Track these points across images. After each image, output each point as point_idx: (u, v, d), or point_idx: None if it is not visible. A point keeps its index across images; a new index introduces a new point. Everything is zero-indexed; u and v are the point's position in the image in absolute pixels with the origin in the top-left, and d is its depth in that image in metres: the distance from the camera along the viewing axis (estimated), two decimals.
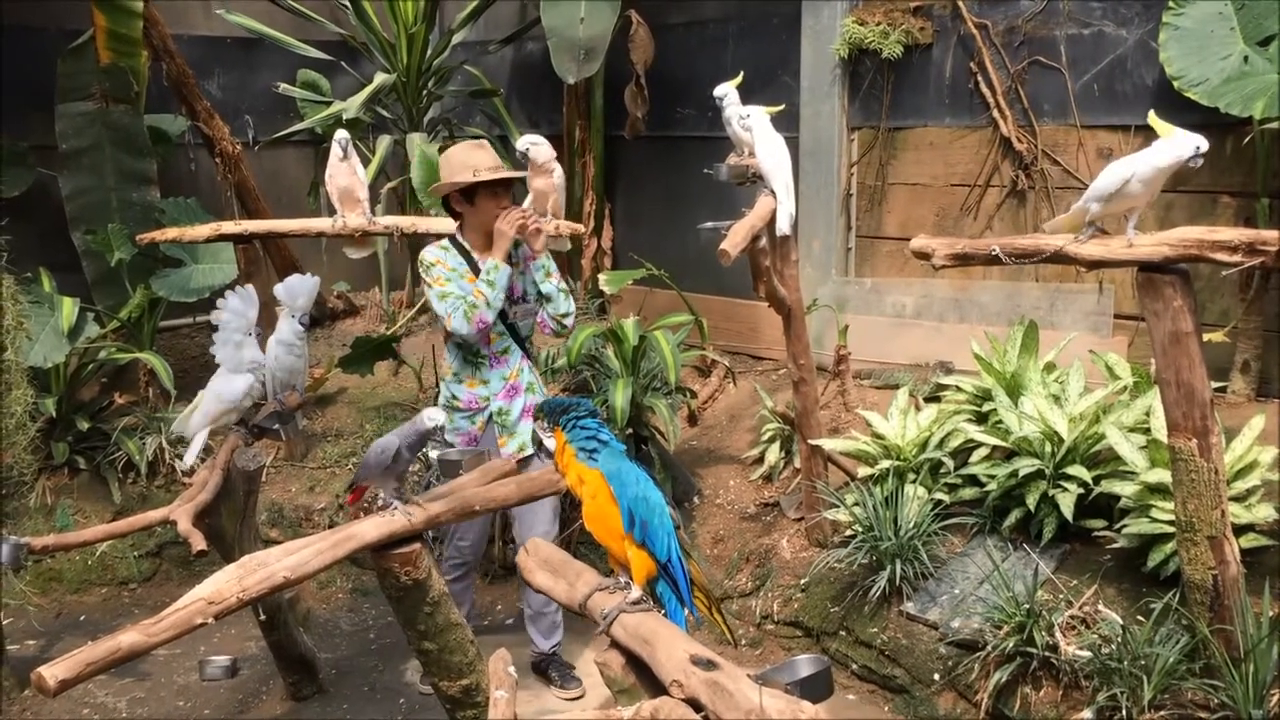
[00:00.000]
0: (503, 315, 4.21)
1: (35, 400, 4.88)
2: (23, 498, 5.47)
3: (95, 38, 6.01)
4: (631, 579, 2.70)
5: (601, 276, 6.42)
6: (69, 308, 5.67)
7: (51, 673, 2.65)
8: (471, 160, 4.09)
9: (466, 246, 4.23)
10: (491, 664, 3.04)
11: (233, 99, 7.26)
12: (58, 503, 5.66)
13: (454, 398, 4.27)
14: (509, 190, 4.19)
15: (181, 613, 2.87)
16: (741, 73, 4.64)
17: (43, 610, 5.37)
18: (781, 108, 4.59)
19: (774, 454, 5.48)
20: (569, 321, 4.32)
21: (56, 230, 6.15)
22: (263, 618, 4.18)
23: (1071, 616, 3.91)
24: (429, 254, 4.20)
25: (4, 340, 4.20)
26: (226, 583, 2.97)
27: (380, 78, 6.84)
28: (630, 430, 5.41)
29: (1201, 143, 3.27)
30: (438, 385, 4.48)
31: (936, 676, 4.13)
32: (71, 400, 5.91)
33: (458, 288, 4.11)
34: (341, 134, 5.38)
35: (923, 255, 3.86)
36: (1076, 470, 4.22)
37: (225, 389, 4.13)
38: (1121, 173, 3.33)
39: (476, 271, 4.15)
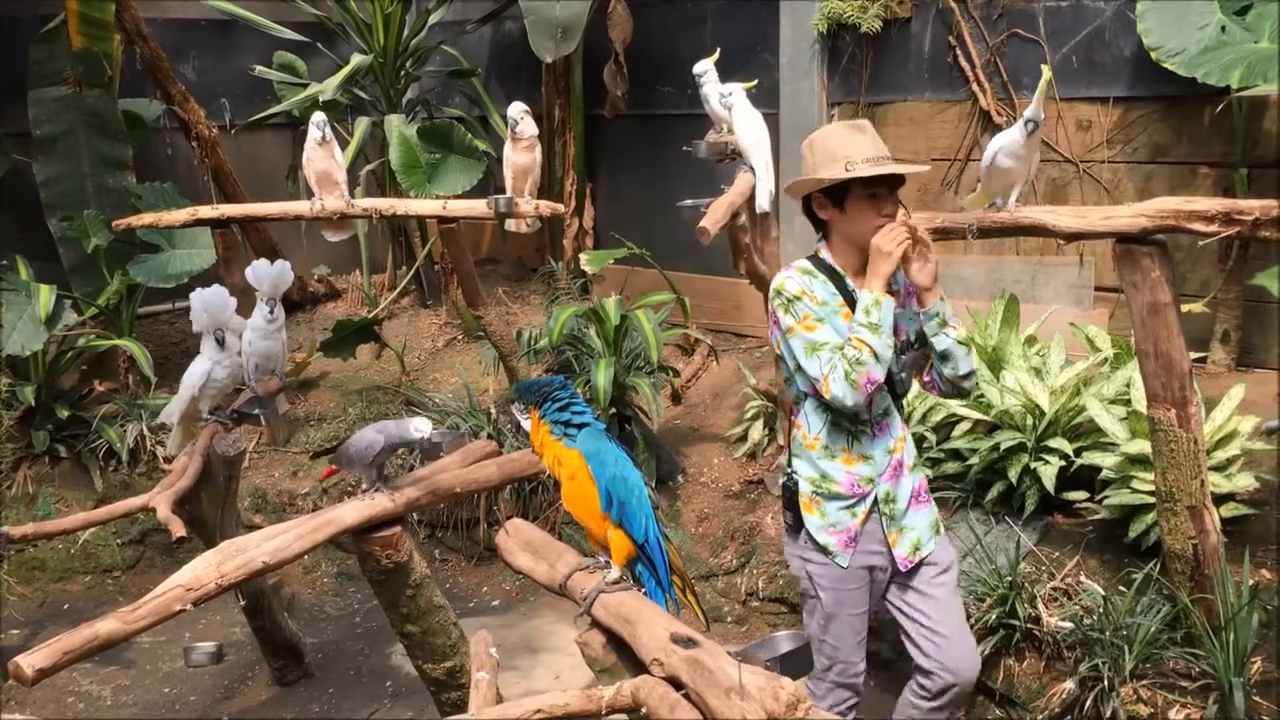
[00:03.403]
0: None
1: (12, 388, 4.84)
2: (1, 487, 5.43)
3: (67, 22, 5.94)
4: (611, 559, 2.69)
5: (583, 256, 6.39)
6: (46, 295, 5.61)
7: (29, 661, 2.64)
8: (846, 148, 2.90)
9: (837, 268, 3.02)
10: (473, 645, 3.05)
11: (208, 82, 7.19)
12: (39, 492, 5.64)
13: (824, 478, 3.03)
14: (894, 192, 2.97)
15: (160, 600, 2.86)
16: (719, 49, 4.61)
17: (26, 600, 5.36)
18: (756, 83, 4.57)
19: (757, 431, 5.48)
20: (971, 383, 3.07)
21: (32, 217, 6.10)
22: (243, 603, 4.18)
23: (1054, 588, 3.93)
24: (791, 283, 2.98)
25: None
26: (205, 569, 2.96)
27: (357, 59, 6.79)
28: (613, 410, 5.40)
29: (1035, 117, 3.43)
30: (789, 454, 3.16)
31: None
32: (51, 388, 5.87)
33: (831, 332, 2.95)
34: (319, 116, 5.34)
35: None
36: (1058, 443, 4.23)
37: (185, 376, 4.18)
38: (990, 149, 3.50)
39: (851, 302, 2.98)
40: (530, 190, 5.18)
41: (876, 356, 2.84)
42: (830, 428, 3.03)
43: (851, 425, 3.02)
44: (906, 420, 3.11)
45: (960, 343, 2.98)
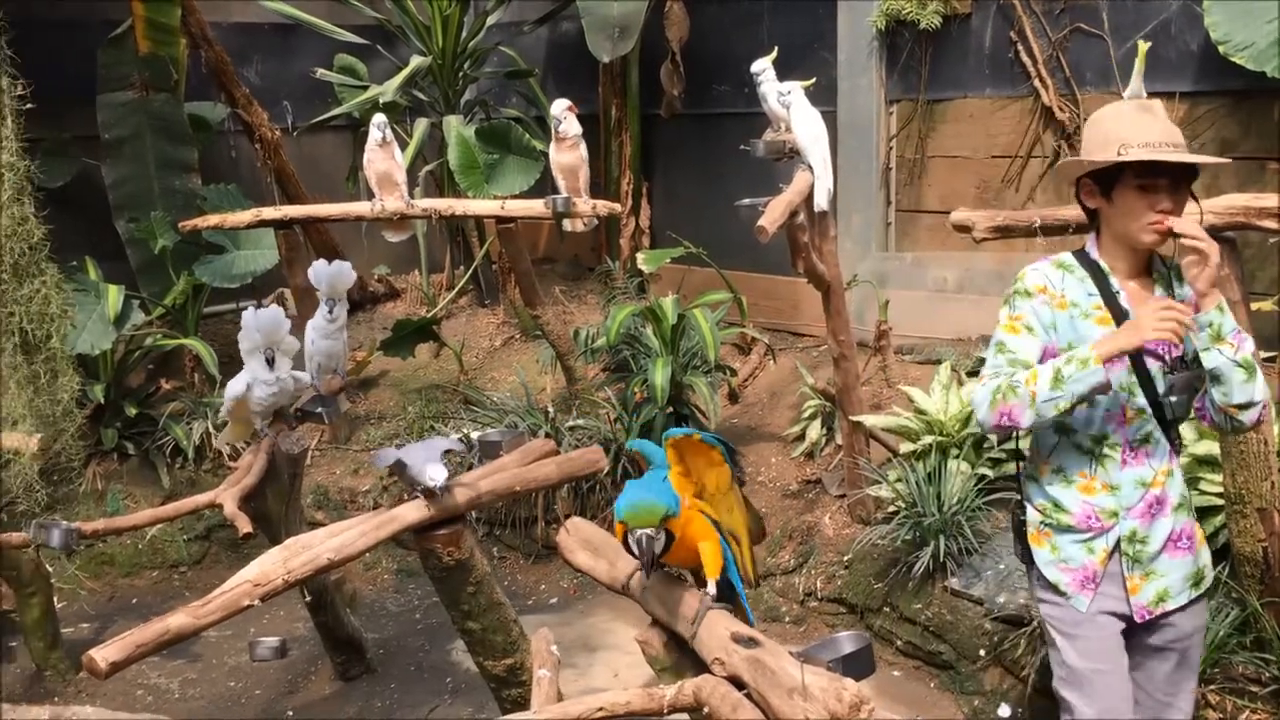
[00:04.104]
0: (1146, 382, 2.60)
1: (83, 387, 4.95)
2: (72, 483, 5.56)
3: (134, 27, 6.07)
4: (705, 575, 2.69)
5: (640, 255, 6.42)
6: (115, 295, 5.74)
7: (102, 655, 2.70)
8: (1123, 129, 2.51)
9: (1101, 265, 2.64)
10: (534, 643, 3.08)
11: (271, 85, 7.30)
12: (108, 488, 5.75)
13: (1056, 506, 2.65)
14: (1178, 187, 2.56)
15: (228, 595, 2.91)
16: (777, 48, 4.59)
17: (95, 594, 5.47)
18: (814, 81, 4.55)
19: (815, 431, 5.46)
20: (1251, 416, 2.55)
21: (101, 219, 6.23)
22: (308, 599, 4.23)
23: None
24: (1033, 276, 2.65)
25: (50, 329, 4.26)
26: (272, 565, 3.02)
27: (416, 61, 6.86)
28: (670, 409, 5.41)
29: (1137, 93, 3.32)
30: (1018, 475, 2.83)
31: (982, 652, 4.11)
32: (119, 387, 5.99)
33: (1028, 346, 2.59)
34: (379, 118, 5.42)
35: (963, 228, 3.84)
36: None
37: (227, 388, 4.16)
38: None
39: (1113, 306, 2.59)
40: (581, 188, 5.21)
41: (1034, 403, 2.47)
42: (1067, 449, 2.64)
43: (1095, 447, 2.61)
44: (1178, 450, 2.69)
45: (1239, 364, 2.47)
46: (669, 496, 2.56)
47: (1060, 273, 2.64)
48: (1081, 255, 2.66)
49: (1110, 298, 2.59)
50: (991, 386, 2.54)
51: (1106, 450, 2.59)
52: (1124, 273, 2.62)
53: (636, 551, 2.55)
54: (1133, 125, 2.51)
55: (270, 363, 4.05)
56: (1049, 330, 2.60)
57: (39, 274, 4.26)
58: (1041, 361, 2.57)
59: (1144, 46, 3.46)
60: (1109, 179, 2.55)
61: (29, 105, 4.41)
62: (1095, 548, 2.61)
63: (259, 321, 4.05)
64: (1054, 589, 2.65)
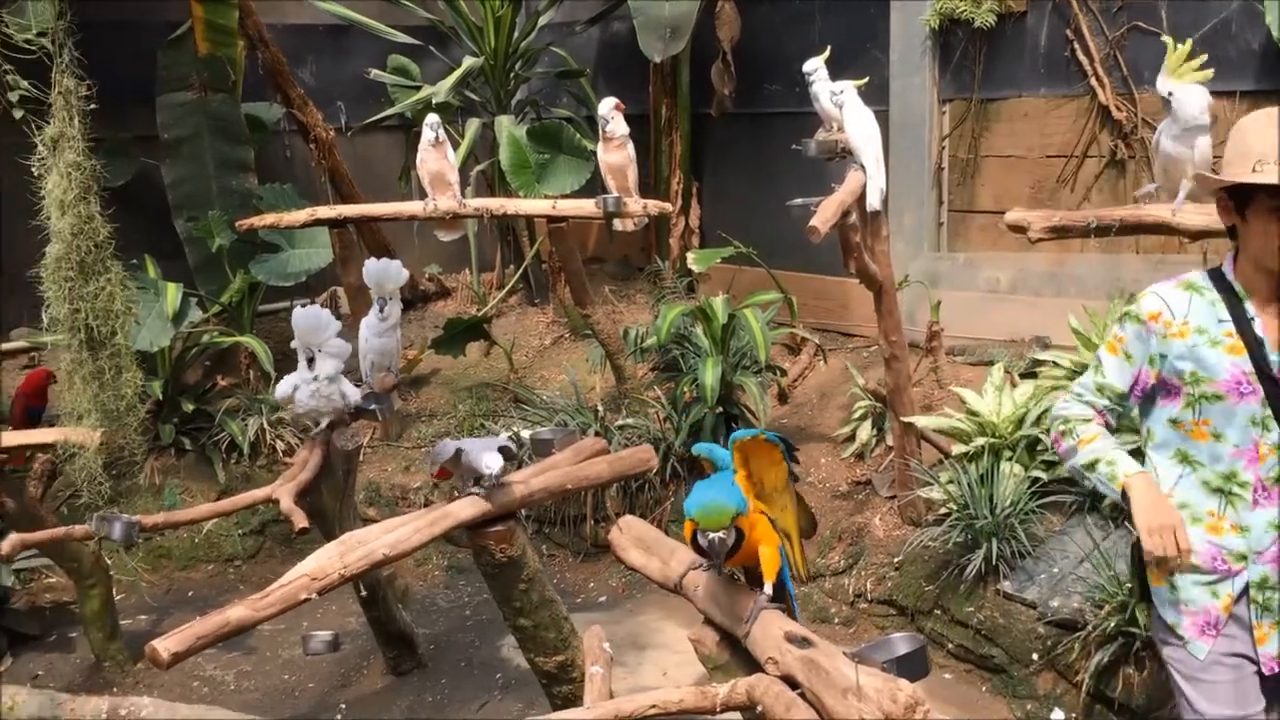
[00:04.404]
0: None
1: (144, 383, 5.03)
2: (134, 478, 5.66)
3: (194, 29, 6.16)
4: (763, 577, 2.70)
5: (690, 255, 6.42)
6: (173, 293, 5.84)
7: (164, 646, 2.75)
8: (1263, 142, 2.30)
9: (1236, 287, 2.42)
10: (587, 640, 3.09)
11: (325, 86, 7.39)
12: (165, 482, 5.84)
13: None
14: None
15: (287, 588, 2.96)
16: (830, 47, 4.58)
17: (153, 586, 5.56)
18: (866, 80, 4.53)
19: (865, 432, 5.43)
20: None
21: (160, 218, 6.33)
22: (363, 593, 4.27)
23: None
24: (1149, 301, 2.47)
25: (115, 325, 4.34)
26: (329, 559, 3.06)
27: (468, 61, 6.90)
28: (720, 409, 5.40)
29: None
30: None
31: (1035, 656, 4.07)
32: (176, 383, 6.09)
33: (1119, 371, 2.50)
34: (432, 118, 5.46)
35: (1018, 228, 3.81)
36: None
37: (278, 387, 4.18)
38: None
39: (1246, 334, 2.37)
40: (630, 188, 5.24)
41: (1070, 458, 2.48)
42: (1193, 483, 2.43)
43: (1224, 484, 2.40)
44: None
45: None
46: (738, 497, 2.59)
47: (1186, 295, 2.43)
48: (1216, 276, 2.44)
49: (1244, 324, 2.36)
50: (1062, 413, 2.53)
51: (1236, 489, 2.40)
52: (1263, 297, 2.38)
53: (708, 551, 2.56)
54: (1273, 139, 2.28)
55: (310, 363, 4.04)
56: (1151, 361, 2.46)
57: (104, 271, 4.34)
58: (1133, 388, 2.49)
59: (1177, 49, 3.42)
60: (1244, 196, 2.34)
61: (93, 105, 4.49)
62: (1219, 591, 2.41)
63: (296, 319, 4.08)
64: (1171, 630, 2.48)
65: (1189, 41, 3.55)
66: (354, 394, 4.21)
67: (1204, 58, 3.50)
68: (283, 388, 4.14)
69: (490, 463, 3.28)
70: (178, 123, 6.29)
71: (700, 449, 2.89)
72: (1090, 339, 4.70)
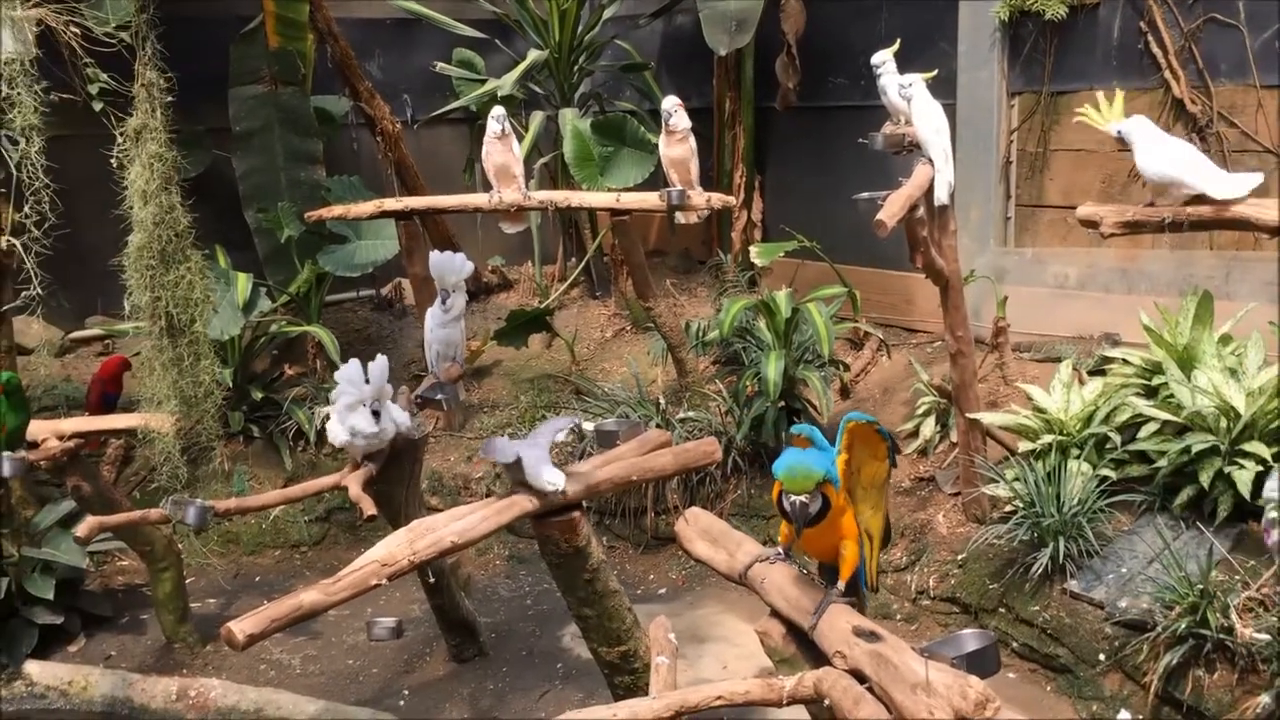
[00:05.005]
0: None
1: (219, 371, 5.13)
2: (210, 463, 5.76)
3: (265, 23, 6.26)
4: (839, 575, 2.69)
5: (752, 249, 6.40)
6: (243, 283, 5.94)
7: (240, 627, 2.81)
8: None
9: None
10: (653, 630, 3.10)
11: (392, 79, 7.46)
12: (234, 469, 5.95)
13: None
14: None
15: (357, 574, 3.00)
16: (899, 40, 4.54)
17: (221, 570, 5.67)
18: (935, 73, 4.49)
19: (929, 428, 5.39)
20: None
21: (231, 209, 6.44)
22: (431, 580, 4.30)
23: (1249, 598, 3.75)
24: None
25: (193, 313, 4.43)
26: (398, 546, 3.10)
27: (533, 54, 6.93)
28: (783, 403, 5.39)
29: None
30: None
31: (1102, 657, 4.02)
32: (246, 371, 6.20)
33: None
34: (498, 111, 5.50)
35: (1090, 223, 3.76)
36: (1254, 447, 4.03)
37: (331, 429, 3.95)
38: None
39: None
40: (693, 181, 5.26)
41: None
42: None
43: None
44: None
45: None
46: (827, 463, 2.56)
47: None
48: None
49: None
50: (1276, 495, 2.45)
51: None
52: None
53: (790, 514, 2.55)
54: None
55: (376, 416, 3.84)
56: None
57: (184, 260, 4.43)
58: None
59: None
60: None
61: (170, 98, 4.57)
62: None
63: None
64: None
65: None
66: (403, 419, 4.07)
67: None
68: (337, 435, 3.89)
69: (552, 479, 3.28)
70: (249, 115, 6.38)
71: (801, 428, 2.87)
72: (1162, 336, 4.62)
